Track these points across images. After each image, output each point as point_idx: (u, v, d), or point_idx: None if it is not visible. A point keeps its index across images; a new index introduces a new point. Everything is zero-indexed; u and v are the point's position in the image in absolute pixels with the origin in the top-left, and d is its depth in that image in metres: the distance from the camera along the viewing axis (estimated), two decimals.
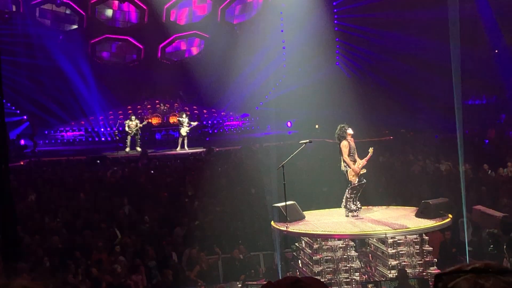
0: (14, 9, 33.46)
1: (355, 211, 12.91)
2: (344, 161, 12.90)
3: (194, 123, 29.41)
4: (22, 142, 33.00)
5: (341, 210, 13.60)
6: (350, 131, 12.96)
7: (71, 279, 13.30)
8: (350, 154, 12.92)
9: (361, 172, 12.93)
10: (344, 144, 12.91)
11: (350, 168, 12.82)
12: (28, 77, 34.68)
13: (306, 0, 34.20)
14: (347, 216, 12.92)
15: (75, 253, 14.76)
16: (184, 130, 28.93)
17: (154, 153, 28.63)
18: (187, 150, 28.52)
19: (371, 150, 12.93)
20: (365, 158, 12.94)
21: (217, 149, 27.98)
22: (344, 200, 13.10)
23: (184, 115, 29.58)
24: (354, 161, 12.91)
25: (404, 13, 30.71)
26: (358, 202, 13.02)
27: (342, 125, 13.04)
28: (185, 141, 29.05)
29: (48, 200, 19.44)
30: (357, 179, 12.91)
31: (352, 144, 13.00)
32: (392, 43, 32.35)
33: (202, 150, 27.57)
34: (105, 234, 16.16)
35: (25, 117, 33.57)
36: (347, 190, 13.01)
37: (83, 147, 33.49)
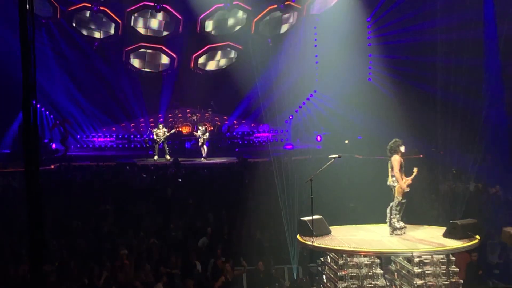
0: (51, 14, 33.82)
1: (400, 229, 12.83)
2: (394, 176, 12.84)
3: (206, 135, 29.86)
4: (54, 146, 33.37)
5: (367, 226, 13.56)
6: (402, 148, 12.90)
7: (95, 283, 13.40)
8: (400, 171, 12.89)
9: (406, 190, 12.89)
10: (396, 158, 12.80)
11: (399, 183, 12.77)
12: (62, 83, 35.07)
13: (340, 14, 34.21)
14: (391, 234, 12.84)
15: (101, 257, 14.88)
16: (200, 141, 29.49)
17: (183, 161, 28.82)
18: (202, 160, 29.00)
19: (415, 169, 12.86)
20: (411, 177, 12.87)
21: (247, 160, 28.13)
22: (388, 217, 13.02)
23: (200, 128, 30.07)
24: (401, 179, 12.88)
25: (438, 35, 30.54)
26: (402, 221, 12.94)
27: (397, 140, 12.96)
28: (204, 151, 29.49)
29: (76, 204, 19.60)
30: (400, 197, 12.87)
31: (402, 161, 12.96)
32: (424, 62, 32.19)
33: (234, 160, 27.77)
34: (131, 241, 16.25)
35: (57, 121, 33.91)
36: (391, 207, 12.93)
37: (113, 153, 33.77)
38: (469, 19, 26.40)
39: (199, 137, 29.83)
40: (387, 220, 13.04)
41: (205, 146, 29.76)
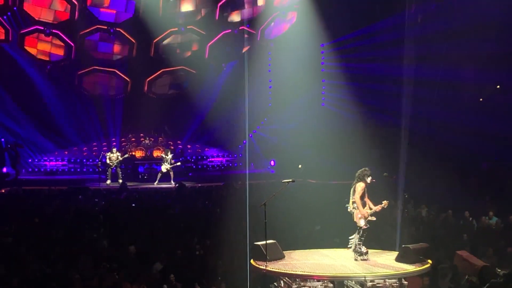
0: (3, 37, 33.43)
1: (365, 255, 13.00)
2: (354, 202, 13.08)
3: (178, 163, 29.72)
4: (4, 170, 32.82)
5: (321, 251, 13.71)
6: (369, 179, 13.19)
7: None
8: (361, 197, 13.12)
9: (369, 219, 13.12)
10: (360, 185, 13.16)
11: (358, 209, 13.00)
12: (13, 106, 34.60)
13: (294, 40, 34.49)
14: (356, 260, 12.98)
15: (51, 284, 14.61)
16: (164, 167, 29.32)
17: (136, 186, 28.66)
18: (173, 184, 28.61)
19: (385, 202, 13.12)
20: (378, 206, 13.11)
21: (199, 185, 28.04)
22: (353, 243, 13.22)
23: (169, 153, 29.96)
24: (364, 205, 13.05)
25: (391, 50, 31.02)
26: (364, 247, 13.12)
27: (366, 169, 13.35)
28: (171, 175, 29.32)
29: (26, 230, 19.25)
30: (363, 222, 13.05)
31: (365, 190, 13.16)
32: (378, 86, 32.61)
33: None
34: (82, 266, 16.01)
35: (9, 145, 33.40)
36: (356, 233, 13.14)
37: (65, 177, 33.38)
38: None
39: (173, 162, 29.64)
40: (351, 246, 13.22)
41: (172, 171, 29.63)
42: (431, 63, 30.03)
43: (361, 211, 13.06)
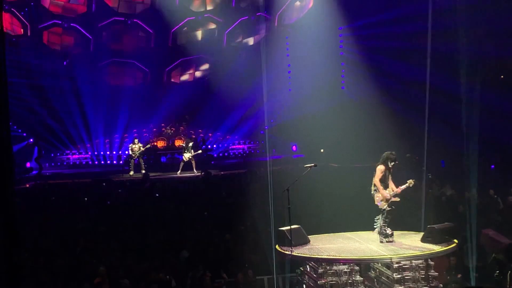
0: (22, 32, 33.62)
1: (391, 236, 12.94)
2: (375, 184, 13.01)
3: (199, 151, 29.70)
4: (28, 164, 33.06)
5: (346, 234, 13.69)
6: (390, 163, 13.07)
7: None
8: (382, 180, 13.03)
9: (393, 200, 13.02)
10: (380, 168, 13.07)
11: (379, 192, 12.93)
12: (35, 100, 34.79)
13: (312, 25, 34.33)
14: (382, 242, 12.93)
15: (79, 276, 14.73)
16: (187, 156, 29.27)
17: (159, 176, 28.73)
18: (195, 173, 28.66)
19: (410, 181, 13.01)
20: (401, 187, 13.01)
21: (222, 173, 28.07)
22: (378, 225, 13.16)
23: (190, 142, 29.93)
24: (386, 187, 12.97)
25: (409, 43, 30.71)
26: (389, 228, 13.05)
27: (393, 152, 13.21)
28: (193, 164, 29.31)
29: (53, 223, 19.40)
30: (385, 205, 12.99)
31: (389, 172, 13.08)
32: (397, 69, 32.33)
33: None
34: (108, 258, 16.11)
35: (31, 140, 33.64)
36: (380, 215, 13.08)
37: (88, 170, 33.56)
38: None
39: (189, 151, 29.61)
40: (376, 227, 13.17)
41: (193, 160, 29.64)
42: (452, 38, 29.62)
43: (382, 193, 12.99)
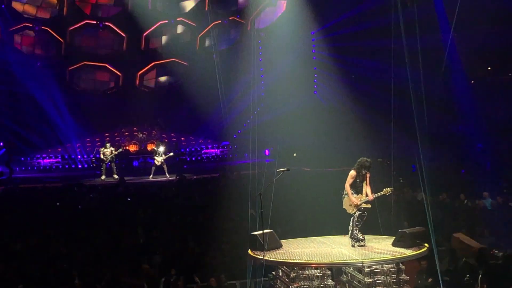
0: None
1: (362, 241, 12.98)
2: (345, 189, 13.07)
3: (170, 154, 29.57)
4: None
5: (318, 238, 13.73)
6: (363, 170, 13.06)
7: None
8: (352, 185, 13.06)
9: (364, 206, 13.05)
10: (351, 173, 13.08)
11: (348, 196, 12.98)
12: (5, 104, 34.47)
13: (284, 29, 34.44)
14: (353, 246, 12.96)
15: (49, 280, 14.63)
16: (159, 160, 29.16)
17: (131, 180, 28.60)
18: (168, 177, 28.57)
19: (387, 189, 13.04)
20: (375, 194, 13.02)
21: (195, 177, 28.01)
22: (350, 230, 13.19)
23: (160, 145, 29.81)
24: (358, 192, 13.04)
25: (381, 41, 30.92)
26: (360, 233, 13.09)
27: (368, 160, 13.17)
28: (165, 168, 29.20)
29: (23, 227, 19.24)
30: (354, 210, 13.02)
31: (362, 178, 13.09)
32: (370, 72, 32.52)
33: (174, 178, 27.55)
34: (81, 263, 16.02)
35: (1, 143, 33.32)
36: (353, 219, 13.11)
37: (59, 174, 33.30)
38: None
39: (166, 154, 29.47)
40: (349, 232, 13.20)
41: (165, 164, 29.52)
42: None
43: (351, 198, 13.03)
